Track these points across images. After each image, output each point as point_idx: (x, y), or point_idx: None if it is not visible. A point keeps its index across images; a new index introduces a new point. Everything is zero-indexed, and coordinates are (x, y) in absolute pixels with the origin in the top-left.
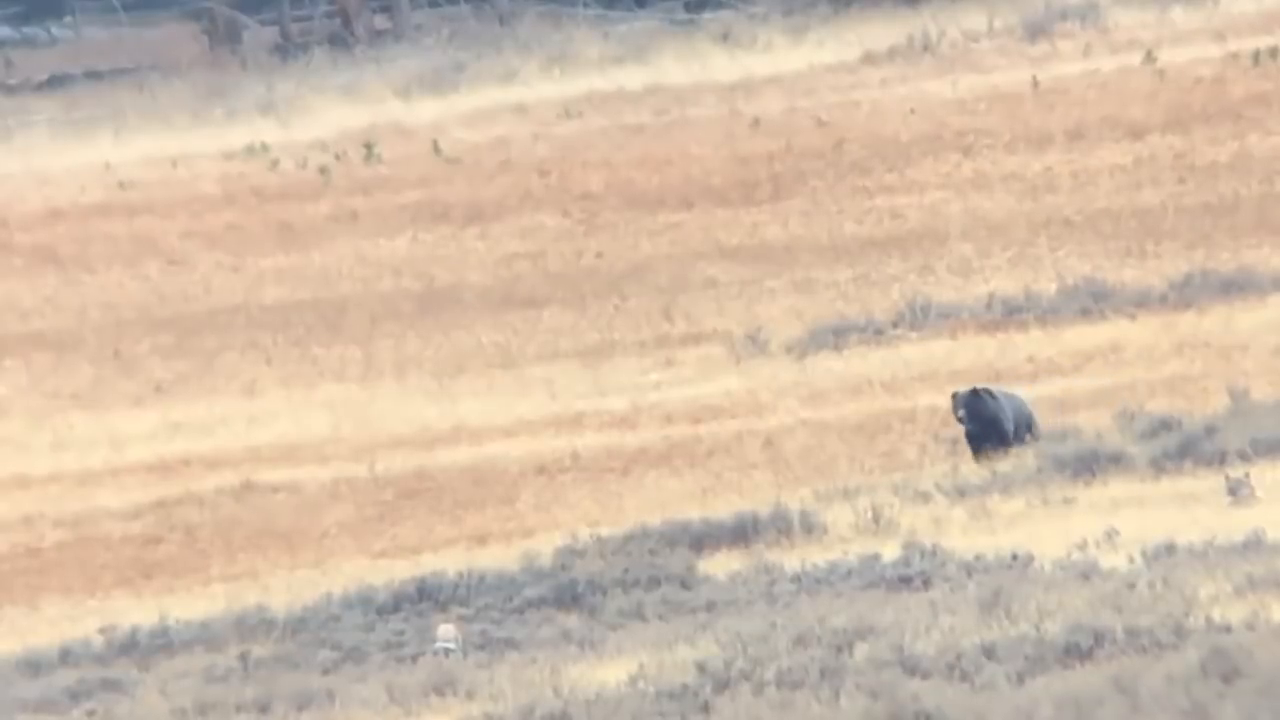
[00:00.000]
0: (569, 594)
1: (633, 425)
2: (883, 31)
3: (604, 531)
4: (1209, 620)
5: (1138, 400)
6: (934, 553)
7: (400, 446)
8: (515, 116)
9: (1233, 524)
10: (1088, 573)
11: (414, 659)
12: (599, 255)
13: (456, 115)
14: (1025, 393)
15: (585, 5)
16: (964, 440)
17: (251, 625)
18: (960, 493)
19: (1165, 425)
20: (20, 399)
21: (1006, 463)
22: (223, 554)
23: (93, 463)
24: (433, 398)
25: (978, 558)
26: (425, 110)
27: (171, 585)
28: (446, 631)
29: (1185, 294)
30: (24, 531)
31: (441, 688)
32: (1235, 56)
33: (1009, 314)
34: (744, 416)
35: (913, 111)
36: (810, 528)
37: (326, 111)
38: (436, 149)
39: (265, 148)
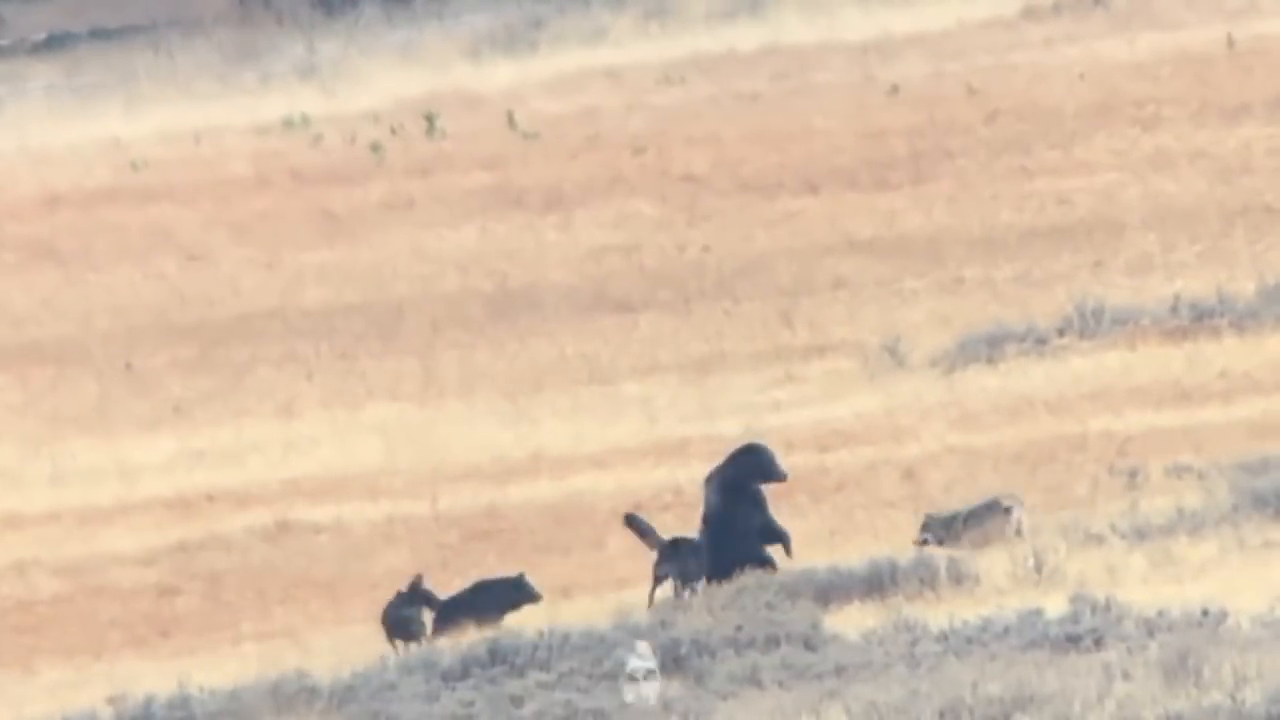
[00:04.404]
0: (670, 656)
1: None
2: None
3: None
4: None
5: None
6: (1108, 607)
7: (467, 479)
8: (604, 83)
9: None
10: None
11: None
12: (705, 249)
13: (535, 81)
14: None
15: None
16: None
17: (290, 694)
18: (1140, 535)
19: None
20: (13, 421)
21: (1196, 500)
22: (254, 607)
23: (99, 498)
24: (506, 420)
25: (1161, 613)
26: (497, 75)
27: (193, 645)
28: (644, 649)
29: None
30: (16, 581)
31: None
32: None
33: (1198, 319)
34: (880, 443)
35: (1082, 77)
36: (959, 577)
37: (379, 77)
38: (511, 122)
39: (305, 120)
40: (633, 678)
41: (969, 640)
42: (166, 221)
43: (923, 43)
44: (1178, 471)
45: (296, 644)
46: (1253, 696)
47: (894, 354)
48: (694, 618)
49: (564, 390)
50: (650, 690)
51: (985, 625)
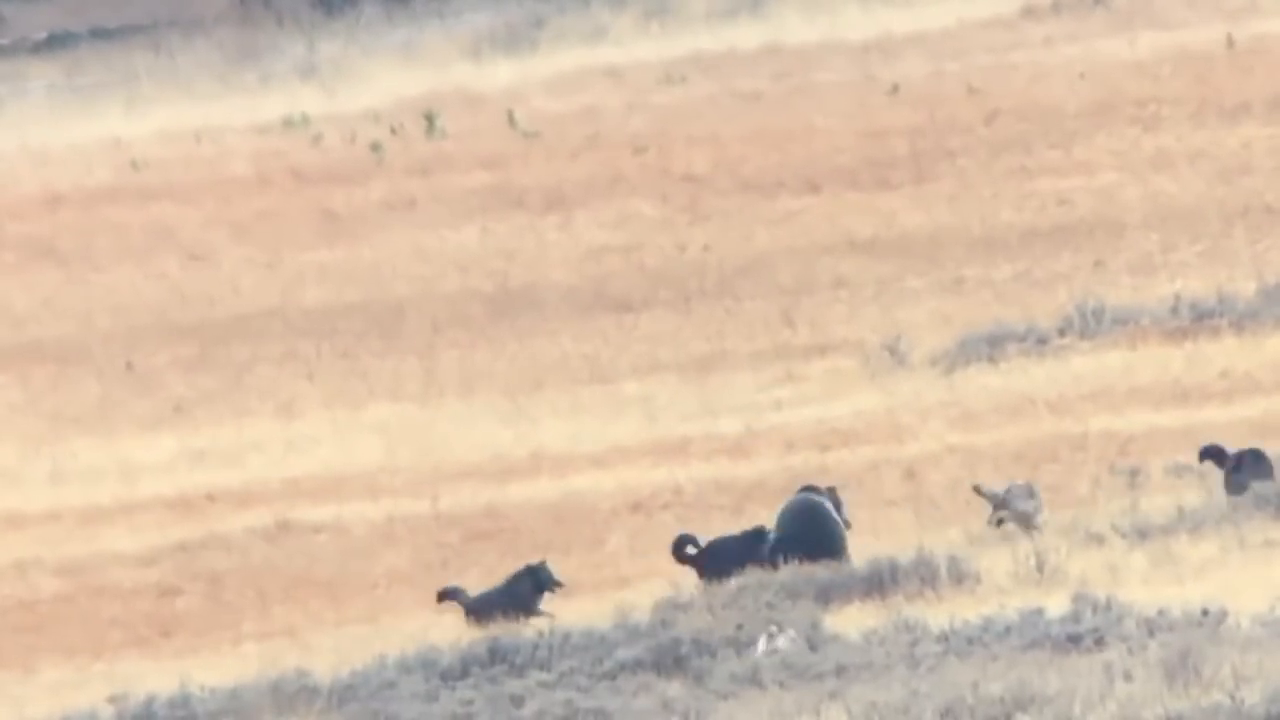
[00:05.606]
0: (670, 656)
1: (747, 453)
2: None
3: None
4: None
5: None
6: (1109, 606)
7: (467, 478)
8: (605, 82)
9: None
10: None
11: None
12: (706, 249)
13: (535, 80)
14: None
15: None
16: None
17: (290, 693)
18: (1141, 534)
19: None
20: (14, 421)
21: (1196, 499)
22: (255, 607)
23: (99, 497)
24: (506, 419)
25: (1161, 612)
26: (498, 74)
27: (194, 645)
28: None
29: None
30: (17, 580)
31: None
32: None
33: (1198, 319)
34: (880, 442)
35: (1082, 76)
36: (960, 577)
37: (380, 76)
38: (511, 121)
39: (306, 120)
40: (770, 635)
41: (970, 640)
42: (167, 221)
43: (923, 42)
44: (1178, 471)
45: (296, 643)
46: (1253, 696)
47: (894, 353)
48: (694, 617)
49: (564, 390)
50: (782, 644)
51: (986, 625)
